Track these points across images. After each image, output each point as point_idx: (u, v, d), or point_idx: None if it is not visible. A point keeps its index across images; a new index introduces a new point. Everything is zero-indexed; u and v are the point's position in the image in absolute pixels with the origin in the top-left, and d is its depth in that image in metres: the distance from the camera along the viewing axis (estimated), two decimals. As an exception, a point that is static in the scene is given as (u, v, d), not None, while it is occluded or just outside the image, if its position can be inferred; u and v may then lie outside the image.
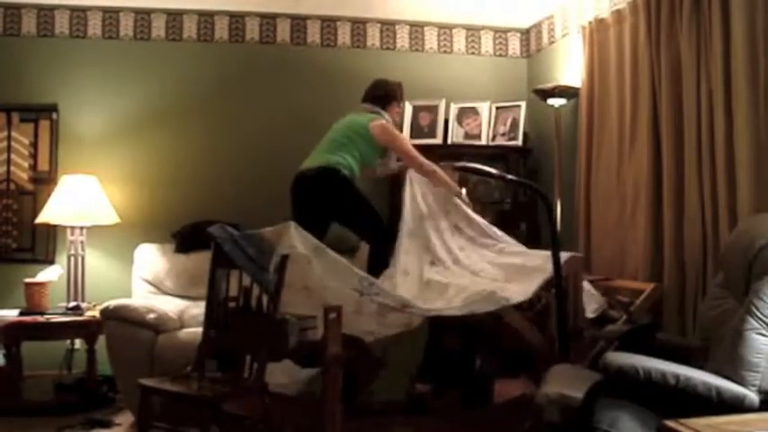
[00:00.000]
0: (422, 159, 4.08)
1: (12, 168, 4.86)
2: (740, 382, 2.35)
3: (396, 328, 3.47)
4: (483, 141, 5.07)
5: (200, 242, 4.28)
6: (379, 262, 3.89)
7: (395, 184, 4.87)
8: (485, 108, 5.12)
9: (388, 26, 5.41)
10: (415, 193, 4.05)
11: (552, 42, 5.20)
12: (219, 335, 3.29)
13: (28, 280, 4.42)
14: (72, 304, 4.44)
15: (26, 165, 4.88)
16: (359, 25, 5.37)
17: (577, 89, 4.57)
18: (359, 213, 4.09)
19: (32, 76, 4.90)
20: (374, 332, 3.44)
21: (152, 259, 4.64)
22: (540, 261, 3.60)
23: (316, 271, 3.22)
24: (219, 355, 3.36)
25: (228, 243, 3.28)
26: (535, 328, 3.59)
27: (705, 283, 3.40)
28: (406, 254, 3.82)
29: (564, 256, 3.46)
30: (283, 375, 3.45)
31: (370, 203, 4.12)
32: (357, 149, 4.09)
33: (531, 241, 4.80)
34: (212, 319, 3.33)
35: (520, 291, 3.46)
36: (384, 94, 4.29)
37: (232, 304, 3.29)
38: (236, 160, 5.12)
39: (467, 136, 5.11)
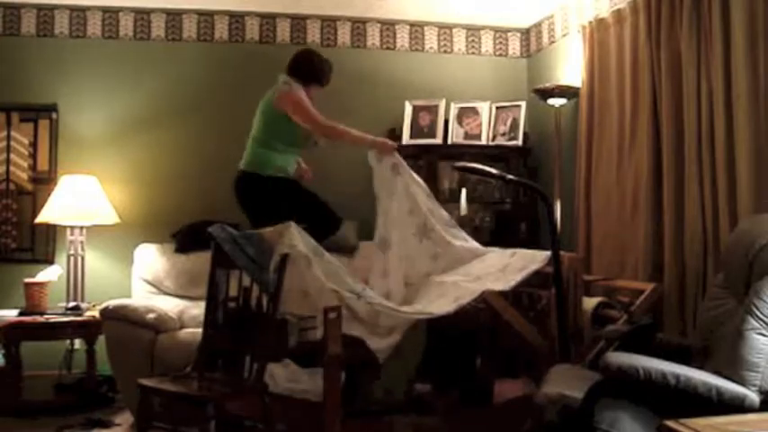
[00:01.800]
0: (324, 122, 3.79)
1: (11, 168, 4.85)
2: (740, 382, 2.34)
3: (383, 340, 3.48)
4: (483, 141, 5.07)
5: (200, 242, 4.27)
6: None
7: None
8: (485, 108, 5.12)
9: (388, 26, 5.40)
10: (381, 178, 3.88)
11: (552, 42, 5.20)
12: (219, 335, 3.29)
13: (27, 280, 4.42)
14: (72, 304, 4.44)
15: (26, 165, 4.88)
16: (359, 25, 5.37)
17: (577, 89, 4.57)
18: (301, 210, 3.81)
19: (32, 76, 4.89)
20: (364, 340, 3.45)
21: (152, 259, 4.64)
22: (524, 262, 3.61)
23: (316, 271, 3.23)
24: (219, 354, 3.36)
25: (228, 243, 3.28)
26: (535, 328, 3.59)
27: (705, 283, 3.40)
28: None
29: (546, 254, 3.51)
30: (309, 381, 3.43)
31: (305, 197, 3.90)
32: (278, 138, 3.84)
33: (531, 241, 4.81)
34: (212, 319, 3.33)
35: (501, 282, 3.48)
36: (304, 71, 3.98)
37: (232, 304, 3.29)
38: (236, 160, 5.07)
39: (467, 136, 5.11)
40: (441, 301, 3.48)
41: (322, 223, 3.82)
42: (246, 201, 3.87)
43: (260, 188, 3.83)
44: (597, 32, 4.41)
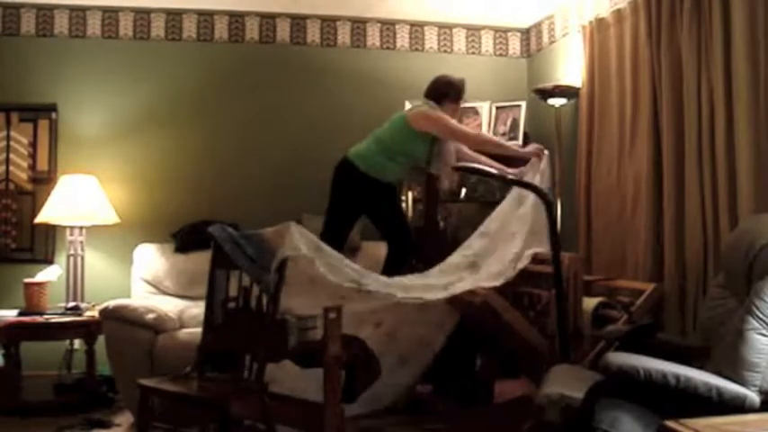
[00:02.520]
0: (470, 131, 4.09)
1: (11, 168, 4.85)
2: (741, 382, 2.34)
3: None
4: (483, 141, 5.06)
5: (199, 242, 4.28)
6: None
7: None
8: (485, 108, 5.11)
9: (388, 26, 5.40)
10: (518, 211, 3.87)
11: (552, 42, 5.20)
12: (219, 335, 3.29)
13: (27, 280, 4.42)
14: (71, 304, 4.44)
15: (25, 165, 4.88)
16: (359, 25, 5.36)
17: (578, 89, 4.57)
18: (380, 213, 4.13)
19: (32, 76, 4.89)
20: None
21: (151, 259, 4.64)
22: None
23: (319, 268, 3.24)
24: (220, 354, 3.36)
25: (228, 243, 3.27)
26: (535, 329, 3.59)
27: (705, 283, 3.40)
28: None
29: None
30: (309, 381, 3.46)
31: (394, 211, 4.15)
32: (403, 152, 4.01)
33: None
34: (212, 319, 3.33)
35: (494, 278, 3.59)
36: (435, 91, 4.14)
37: (232, 304, 3.29)
38: (236, 160, 5.11)
39: (467, 136, 5.10)
40: (433, 290, 3.54)
41: (398, 239, 4.08)
42: (342, 190, 4.07)
43: (346, 178, 4.03)
44: (597, 32, 4.41)
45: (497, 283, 3.56)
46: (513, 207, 3.92)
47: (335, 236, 3.96)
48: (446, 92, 4.13)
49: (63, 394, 4.31)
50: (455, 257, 3.83)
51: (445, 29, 5.49)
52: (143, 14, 5.06)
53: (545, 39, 5.30)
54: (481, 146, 4.03)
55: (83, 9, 4.98)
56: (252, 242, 3.25)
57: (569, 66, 4.86)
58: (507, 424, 3.46)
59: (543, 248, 3.60)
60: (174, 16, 5.11)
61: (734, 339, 2.46)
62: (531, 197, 3.76)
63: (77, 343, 4.60)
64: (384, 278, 3.54)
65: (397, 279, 3.58)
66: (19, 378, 4.21)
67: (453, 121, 4.06)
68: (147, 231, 4.80)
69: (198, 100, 5.10)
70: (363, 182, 4.01)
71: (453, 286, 3.54)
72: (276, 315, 3.14)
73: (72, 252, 4.60)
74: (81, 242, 4.62)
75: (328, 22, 5.31)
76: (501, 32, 5.56)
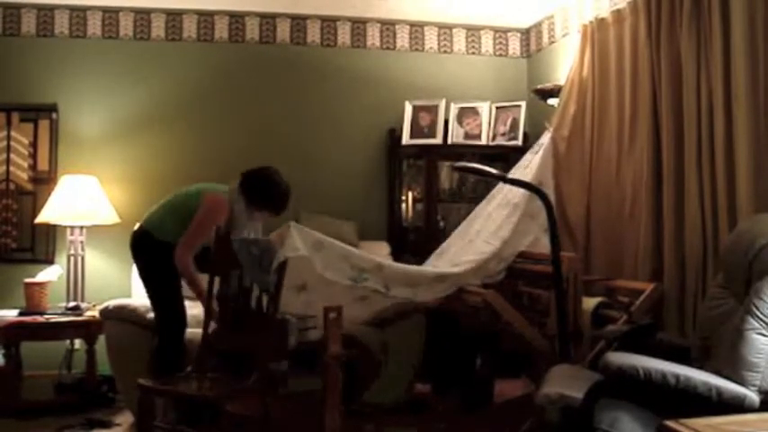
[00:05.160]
0: (185, 261, 3.53)
1: (11, 168, 4.86)
2: (740, 382, 2.34)
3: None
4: (483, 141, 5.07)
5: (199, 242, 4.27)
6: (162, 363, 3.54)
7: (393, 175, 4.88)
8: (485, 108, 5.12)
9: (388, 26, 5.40)
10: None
11: (552, 42, 5.20)
12: (220, 335, 3.29)
13: (28, 280, 4.42)
14: (72, 304, 4.44)
15: (26, 165, 4.88)
16: (359, 25, 5.37)
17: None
18: (156, 289, 3.72)
19: (32, 76, 4.90)
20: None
21: (152, 259, 4.63)
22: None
23: (317, 267, 3.26)
24: (219, 354, 3.36)
25: (236, 242, 3.28)
26: (535, 329, 3.59)
27: (705, 283, 3.40)
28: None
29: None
30: None
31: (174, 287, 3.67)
32: (186, 212, 3.62)
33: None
34: (212, 319, 3.33)
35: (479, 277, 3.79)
36: (260, 195, 3.71)
37: (232, 304, 3.29)
38: (236, 160, 5.08)
39: (467, 136, 5.11)
40: (420, 289, 3.62)
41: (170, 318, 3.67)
42: (140, 259, 3.78)
43: (156, 253, 3.65)
44: (597, 32, 4.41)
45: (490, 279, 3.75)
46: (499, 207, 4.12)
47: (172, 307, 3.66)
48: (262, 202, 3.72)
49: (63, 394, 4.32)
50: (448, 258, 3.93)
51: (445, 29, 5.49)
52: (143, 15, 5.07)
53: (545, 39, 5.31)
54: (180, 271, 3.55)
55: (83, 9, 4.98)
56: (258, 245, 3.26)
57: (569, 66, 4.85)
58: (507, 424, 3.46)
59: (529, 240, 3.81)
60: (174, 16, 5.11)
61: (733, 339, 2.46)
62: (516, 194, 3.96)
63: (78, 343, 4.60)
64: (388, 268, 3.57)
65: (401, 269, 3.63)
66: (19, 378, 4.22)
67: (205, 230, 3.52)
68: (148, 231, 4.80)
69: (198, 100, 5.10)
70: (160, 249, 3.61)
71: (449, 281, 3.66)
72: (276, 315, 3.14)
73: (72, 252, 4.60)
74: (81, 242, 4.63)
75: (328, 23, 5.31)
76: (501, 32, 5.57)
